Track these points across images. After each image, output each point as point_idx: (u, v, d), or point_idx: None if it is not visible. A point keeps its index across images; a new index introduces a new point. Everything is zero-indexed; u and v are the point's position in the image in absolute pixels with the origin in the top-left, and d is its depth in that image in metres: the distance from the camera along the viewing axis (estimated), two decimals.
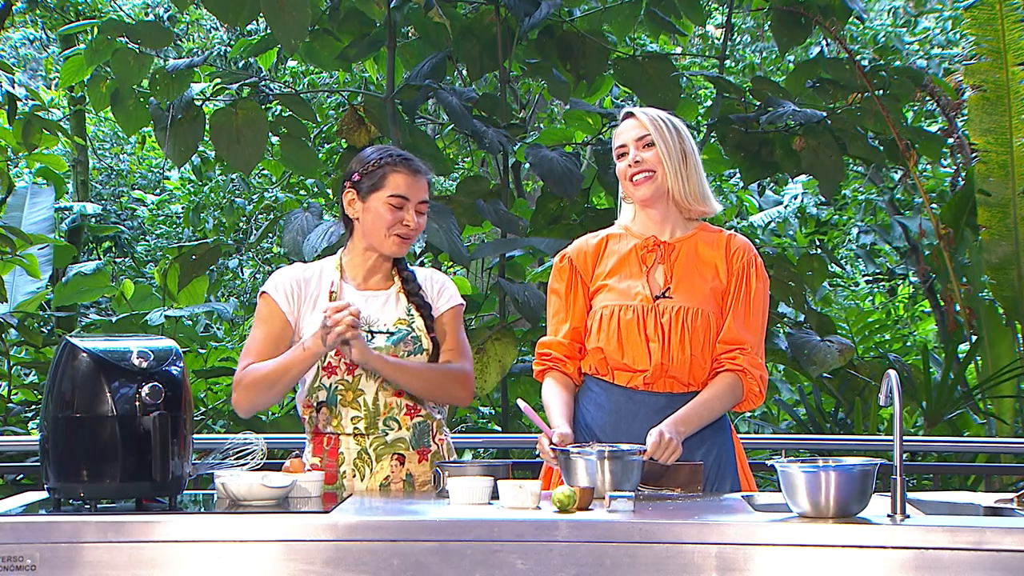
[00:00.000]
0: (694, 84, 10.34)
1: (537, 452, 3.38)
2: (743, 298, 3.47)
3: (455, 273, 8.93)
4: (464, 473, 3.16)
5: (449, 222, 6.07)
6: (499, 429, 7.27)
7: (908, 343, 9.85)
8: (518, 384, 6.74)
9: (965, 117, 8.11)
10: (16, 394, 7.79)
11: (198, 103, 6.58)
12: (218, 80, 6.85)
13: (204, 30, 12.76)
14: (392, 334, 3.39)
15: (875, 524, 2.73)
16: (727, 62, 9.12)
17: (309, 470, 3.37)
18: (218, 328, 10.11)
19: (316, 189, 9.70)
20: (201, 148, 8.68)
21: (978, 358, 7.64)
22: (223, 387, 8.12)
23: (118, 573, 2.75)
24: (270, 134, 6.85)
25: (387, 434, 3.40)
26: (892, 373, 2.87)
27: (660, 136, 3.47)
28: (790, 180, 10.25)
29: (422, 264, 7.47)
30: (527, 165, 6.99)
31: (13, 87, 7.24)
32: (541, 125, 9.54)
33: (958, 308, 7.85)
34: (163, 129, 6.52)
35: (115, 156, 14.59)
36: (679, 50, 10.50)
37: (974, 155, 7.57)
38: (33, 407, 7.52)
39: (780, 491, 2.85)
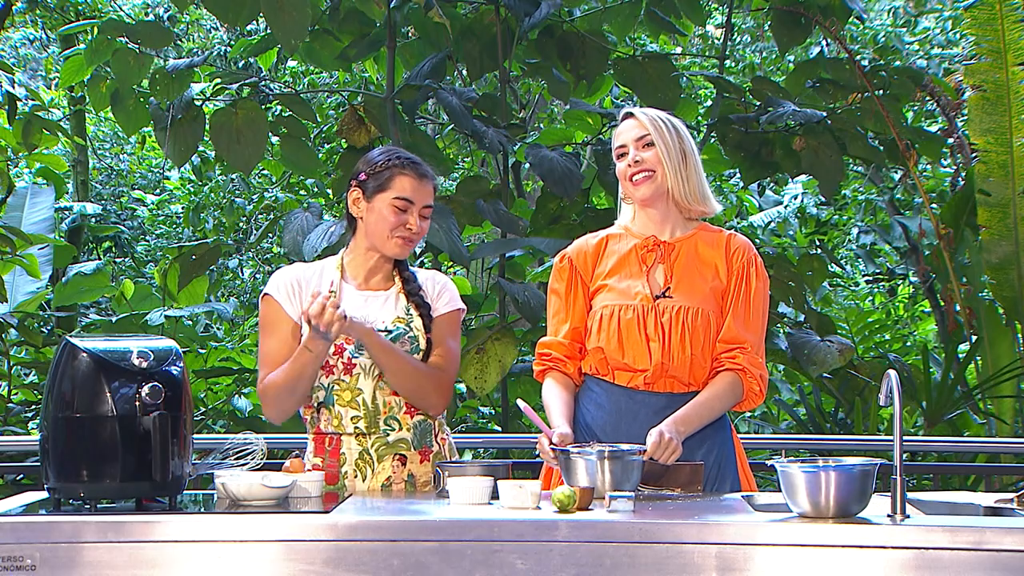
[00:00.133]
0: (694, 84, 10.34)
1: (537, 452, 3.38)
2: (743, 297, 3.47)
3: (455, 273, 8.94)
4: (464, 473, 3.16)
5: (449, 222, 6.08)
6: (499, 429, 7.27)
7: (908, 343, 9.85)
8: (518, 384, 6.73)
9: (965, 117, 8.11)
10: (16, 394, 7.79)
11: (198, 103, 6.58)
12: (218, 80, 6.85)
13: (204, 30, 12.76)
14: (389, 332, 3.40)
15: (875, 524, 2.73)
16: (727, 62, 9.12)
17: (310, 470, 3.38)
18: (218, 328, 10.11)
19: (316, 189, 9.70)
20: (201, 148, 8.68)
21: (978, 358, 7.64)
22: (223, 387, 8.13)
23: (118, 573, 2.75)
24: (270, 134, 6.85)
25: (388, 434, 3.40)
26: (892, 373, 2.87)
27: (660, 136, 3.47)
28: (790, 180, 10.25)
29: (422, 264, 7.48)
30: (527, 165, 6.99)
31: (13, 87, 7.24)
32: (541, 125, 9.54)
33: (958, 308, 7.85)
34: (163, 129, 6.52)
35: (115, 156, 14.59)
36: (679, 50, 10.50)
37: (974, 155, 7.57)
38: (33, 407, 7.52)
39: (780, 491, 2.85)
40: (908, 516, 2.79)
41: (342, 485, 3.39)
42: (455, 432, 4.69)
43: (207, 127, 6.48)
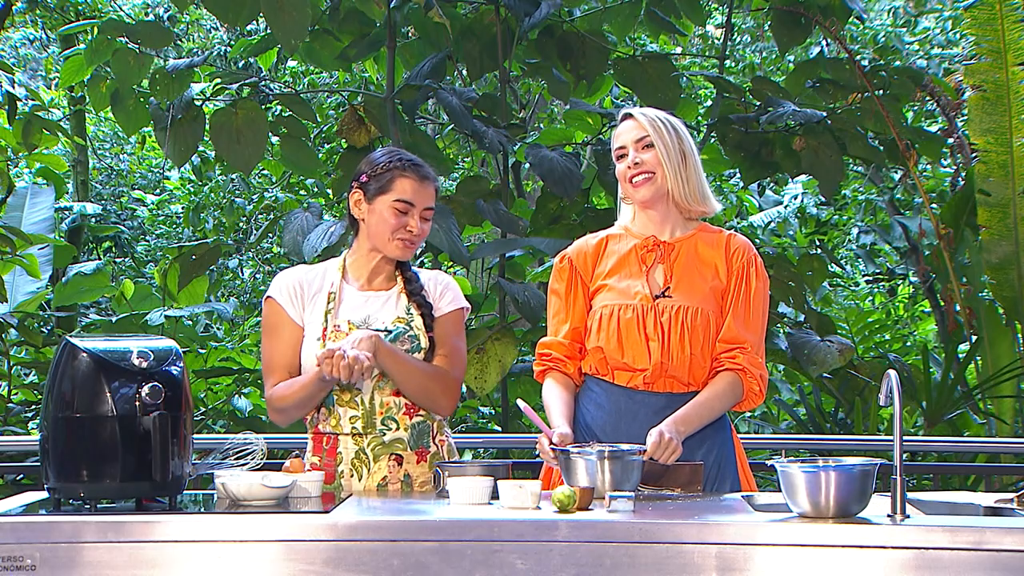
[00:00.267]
0: (694, 84, 10.34)
1: (537, 452, 3.38)
2: (743, 297, 3.47)
3: (455, 273, 8.94)
4: (464, 473, 3.16)
5: (449, 222, 6.08)
6: (499, 429, 7.27)
7: (908, 343, 9.85)
8: (518, 384, 6.74)
9: (965, 117, 8.11)
10: (16, 394, 7.79)
11: (198, 103, 6.58)
12: (218, 80, 6.85)
13: (204, 30, 12.76)
14: (390, 331, 3.40)
15: (875, 524, 2.73)
16: (727, 62, 9.12)
17: (309, 470, 3.38)
18: (218, 328, 10.11)
19: (316, 189, 9.70)
20: (201, 148, 8.68)
21: (978, 358, 7.64)
22: (223, 387, 8.12)
23: (118, 573, 2.76)
24: (270, 134, 6.85)
25: (385, 434, 3.40)
26: (892, 373, 2.87)
27: (659, 137, 3.47)
28: (790, 180, 10.25)
29: (422, 264, 7.48)
30: (527, 165, 6.99)
31: (13, 87, 7.24)
32: (541, 125, 9.54)
33: (958, 308, 7.85)
34: (163, 129, 6.52)
35: (115, 156, 14.59)
36: (679, 50, 10.50)
37: (974, 155, 7.57)
38: (33, 407, 7.52)
39: (780, 491, 2.85)
40: (908, 516, 2.79)
41: (338, 485, 3.39)
42: (455, 432, 4.69)
43: (207, 127, 6.48)
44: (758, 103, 6.87)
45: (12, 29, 12.54)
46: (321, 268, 3.55)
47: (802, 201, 10.70)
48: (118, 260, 12.50)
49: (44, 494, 3.07)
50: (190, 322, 8.79)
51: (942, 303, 8.56)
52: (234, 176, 9.92)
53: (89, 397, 2.92)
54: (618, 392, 3.44)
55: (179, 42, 11.44)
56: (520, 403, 3.43)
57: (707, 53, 10.91)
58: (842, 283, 11.65)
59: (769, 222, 10.41)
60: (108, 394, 2.91)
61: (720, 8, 10.00)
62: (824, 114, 6.66)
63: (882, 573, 2.66)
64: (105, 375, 2.93)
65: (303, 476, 3.12)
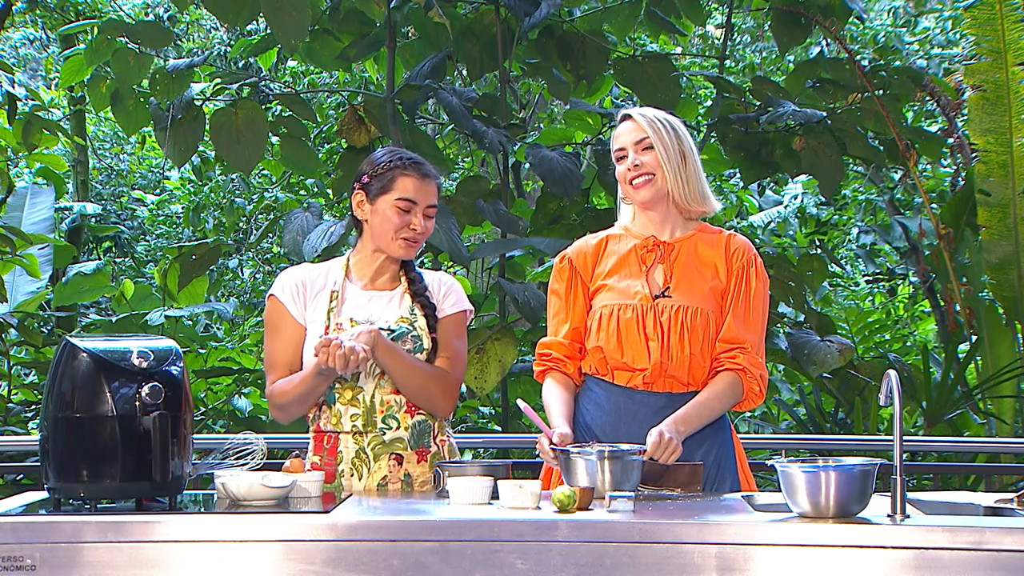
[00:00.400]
0: (694, 84, 10.33)
1: (537, 452, 3.38)
2: (743, 297, 3.47)
3: (455, 273, 8.94)
4: (464, 473, 3.16)
5: (449, 222, 6.08)
6: (499, 429, 7.27)
7: (908, 343, 9.85)
8: (518, 384, 6.73)
9: (965, 117, 8.11)
10: (16, 394, 7.79)
11: (198, 103, 6.58)
12: (218, 80, 6.85)
13: (204, 30, 12.76)
14: (392, 331, 3.40)
15: (875, 524, 2.73)
16: (727, 62, 9.12)
17: (310, 469, 3.38)
18: (218, 328, 10.11)
19: (316, 189, 9.70)
20: (201, 148, 8.68)
21: (978, 358, 7.64)
22: (223, 387, 8.12)
23: (118, 573, 2.76)
24: (270, 134, 6.85)
25: (385, 433, 3.40)
26: (892, 373, 2.87)
27: (659, 138, 3.47)
28: (790, 180, 10.25)
29: (422, 264, 7.48)
30: (527, 165, 6.99)
31: (13, 87, 7.24)
32: (541, 125, 9.54)
33: (958, 308, 7.85)
34: (163, 129, 6.52)
35: (115, 156, 14.59)
36: (679, 50, 10.50)
37: (974, 155, 7.57)
38: (33, 407, 7.52)
39: (780, 491, 2.85)
40: (908, 516, 2.79)
41: (338, 484, 3.39)
42: (455, 432, 4.69)
43: (207, 127, 6.48)
44: (758, 103, 6.87)
45: (12, 29, 12.54)
46: (324, 267, 3.56)
47: (802, 201, 10.70)
48: (118, 260, 12.50)
49: (44, 494, 3.07)
50: (190, 322, 8.79)
51: (942, 303, 8.56)
52: (234, 176, 9.92)
53: (89, 397, 2.92)
54: (618, 392, 3.44)
55: (179, 42, 11.44)
56: (520, 403, 3.43)
57: (707, 53, 10.91)
58: (842, 283, 11.65)
59: (769, 222, 10.41)
60: (108, 394, 2.91)
61: (720, 8, 10.00)
62: (824, 114, 6.66)
63: (882, 573, 2.66)
64: (105, 375, 2.93)
65: (303, 476, 3.12)
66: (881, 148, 7.09)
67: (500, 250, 6.71)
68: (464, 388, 7.05)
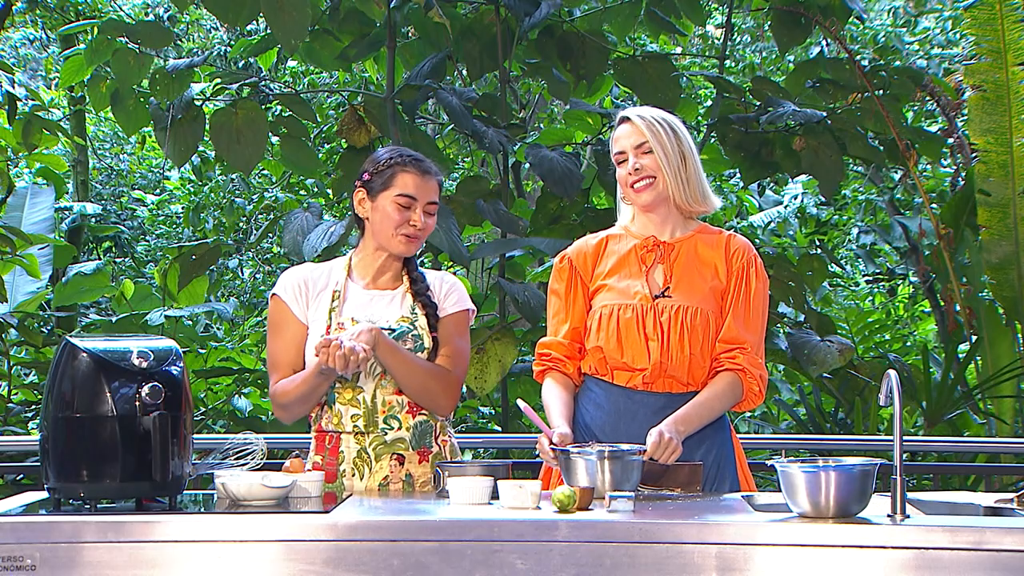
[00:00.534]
0: (694, 84, 10.33)
1: (537, 452, 3.38)
2: (743, 298, 3.47)
3: (455, 273, 8.93)
4: (464, 473, 3.16)
5: (449, 222, 6.08)
6: (499, 429, 7.27)
7: (908, 343, 9.85)
8: (518, 384, 6.74)
9: (965, 117, 8.11)
10: (16, 394, 7.78)
11: (198, 103, 6.58)
12: (218, 80, 6.85)
13: (204, 30, 12.76)
14: (394, 331, 3.40)
15: (875, 524, 2.73)
16: (727, 62, 9.12)
17: (311, 468, 3.38)
18: (218, 328, 10.11)
19: (316, 189, 9.70)
20: (201, 148, 8.68)
21: (978, 358, 7.64)
22: (223, 387, 8.12)
23: (118, 573, 2.76)
24: (270, 134, 6.85)
25: (387, 433, 3.40)
26: (892, 373, 2.87)
27: (658, 141, 3.46)
28: (790, 180, 10.25)
29: (422, 264, 7.47)
30: (527, 165, 6.99)
31: (13, 87, 7.23)
32: (541, 125, 9.54)
33: (958, 308, 7.85)
34: (163, 129, 6.52)
35: (115, 156, 14.59)
36: (679, 50, 10.50)
37: (974, 155, 7.57)
38: (33, 407, 7.52)
39: (780, 491, 2.85)
40: (908, 516, 2.79)
41: (340, 484, 3.39)
42: (455, 432, 4.69)
43: (207, 127, 6.48)
44: (758, 103, 6.87)
45: (12, 29, 12.54)
46: (327, 266, 3.57)
47: (802, 201, 10.70)
48: (118, 260, 12.50)
49: (44, 494, 3.07)
50: (190, 322, 8.79)
51: (942, 303, 8.56)
52: (234, 176, 9.92)
53: (89, 397, 2.92)
54: (617, 392, 3.44)
55: (179, 42, 11.43)
56: (520, 403, 3.44)
57: (707, 53, 10.91)
58: (842, 283, 11.65)
59: (769, 222, 10.41)
60: (108, 394, 2.91)
61: (720, 8, 10.00)
62: (824, 114, 6.66)
63: (882, 573, 2.66)
64: (105, 375, 2.93)
65: (303, 476, 3.12)
66: (881, 148, 7.09)
67: (500, 250, 6.72)
68: (464, 388, 7.06)
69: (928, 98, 9.05)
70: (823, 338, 6.67)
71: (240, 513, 2.88)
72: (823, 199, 10.31)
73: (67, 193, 10.66)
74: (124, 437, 2.91)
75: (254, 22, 8.40)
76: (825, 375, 7.05)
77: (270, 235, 9.86)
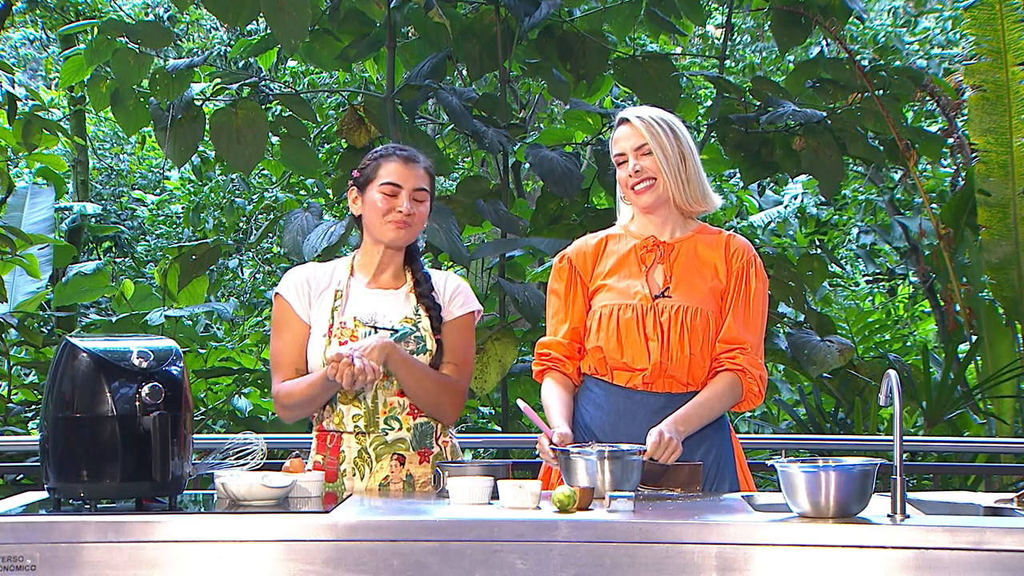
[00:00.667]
0: (694, 84, 10.33)
1: (537, 452, 3.38)
2: (743, 298, 3.47)
3: (455, 273, 8.92)
4: (464, 473, 3.16)
5: (449, 222, 6.07)
6: (499, 429, 7.27)
7: (908, 343, 9.85)
8: (518, 384, 6.73)
9: (965, 117, 8.11)
10: (16, 394, 7.78)
11: (198, 103, 6.58)
12: (218, 80, 6.85)
13: (204, 30, 12.76)
14: (396, 331, 3.40)
15: (875, 524, 2.73)
16: (727, 62, 9.12)
17: (312, 468, 3.38)
18: (218, 328, 10.10)
19: (316, 189, 9.70)
20: (201, 148, 8.67)
21: (978, 358, 7.64)
22: (223, 387, 8.12)
23: (118, 573, 2.76)
24: (270, 134, 6.85)
25: (387, 433, 3.41)
26: (892, 373, 2.87)
27: (657, 142, 3.46)
28: (790, 180, 10.25)
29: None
30: (527, 165, 6.99)
31: (13, 87, 7.23)
32: (541, 125, 9.53)
33: (958, 308, 7.85)
34: (163, 129, 6.52)
35: (115, 156, 14.59)
36: (679, 50, 10.50)
37: (974, 155, 7.57)
38: (33, 407, 7.51)
39: (780, 491, 2.85)
40: (908, 516, 2.79)
41: (340, 484, 3.39)
42: (455, 432, 4.69)
43: (207, 127, 6.48)
44: (758, 103, 6.86)
45: (12, 29, 12.54)
46: (330, 266, 3.58)
47: (802, 201, 10.70)
48: (118, 260, 12.49)
49: (44, 494, 3.07)
50: (190, 322, 8.79)
51: (942, 303, 8.55)
52: (234, 176, 9.92)
53: (89, 397, 2.92)
54: (617, 392, 3.44)
55: (179, 42, 11.43)
56: (520, 403, 3.44)
57: (707, 53, 10.91)
58: (842, 283, 11.65)
59: (769, 222, 10.41)
60: (108, 394, 2.91)
61: (720, 8, 10.00)
62: (824, 114, 6.66)
63: (882, 573, 2.66)
64: (105, 375, 2.93)
65: (303, 476, 3.13)
66: (881, 148, 7.08)
67: (500, 250, 6.72)
68: None
69: (928, 98, 9.05)
70: (823, 338, 6.67)
71: (240, 513, 2.88)
72: (823, 199, 10.31)
73: (67, 193, 10.66)
74: (124, 437, 2.91)
75: (254, 22, 8.40)
76: (825, 375, 7.05)
77: (270, 235, 9.86)
